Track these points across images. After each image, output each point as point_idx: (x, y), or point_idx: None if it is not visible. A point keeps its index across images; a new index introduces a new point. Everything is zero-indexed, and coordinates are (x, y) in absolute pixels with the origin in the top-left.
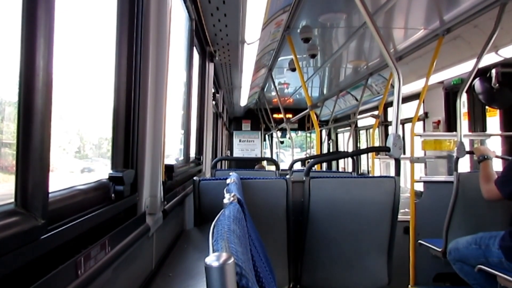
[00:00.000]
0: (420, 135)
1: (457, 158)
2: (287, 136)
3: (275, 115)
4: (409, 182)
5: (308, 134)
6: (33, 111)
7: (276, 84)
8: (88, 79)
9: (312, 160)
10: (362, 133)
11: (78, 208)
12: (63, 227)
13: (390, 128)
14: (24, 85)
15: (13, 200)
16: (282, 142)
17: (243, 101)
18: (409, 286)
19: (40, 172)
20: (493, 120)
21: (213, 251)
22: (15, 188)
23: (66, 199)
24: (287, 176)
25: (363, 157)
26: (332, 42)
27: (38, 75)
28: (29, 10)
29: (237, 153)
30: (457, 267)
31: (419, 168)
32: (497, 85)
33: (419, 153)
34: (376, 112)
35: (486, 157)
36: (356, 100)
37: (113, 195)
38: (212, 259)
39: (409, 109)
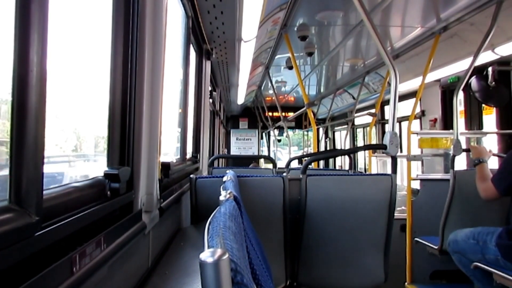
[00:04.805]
0: (417, 133)
1: (454, 156)
2: (284, 134)
3: (272, 113)
4: (405, 180)
5: (305, 132)
6: (27, 107)
7: (273, 82)
8: (82, 76)
9: (309, 158)
10: (359, 131)
11: (73, 205)
12: (58, 224)
13: (387, 126)
14: (17, 80)
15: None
16: (279, 140)
17: (240, 99)
18: (406, 283)
19: (34, 169)
20: (490, 118)
21: (208, 248)
22: (9, 185)
23: (61, 196)
24: (284, 174)
25: (360, 155)
26: (329, 40)
27: (32, 70)
28: (23, 5)
29: (234, 151)
30: (455, 258)
31: (416, 166)
32: (494, 83)
33: (415, 151)
34: (373, 110)
35: (481, 160)
36: (353, 98)
37: (108, 192)
38: (206, 255)
39: (406, 107)
